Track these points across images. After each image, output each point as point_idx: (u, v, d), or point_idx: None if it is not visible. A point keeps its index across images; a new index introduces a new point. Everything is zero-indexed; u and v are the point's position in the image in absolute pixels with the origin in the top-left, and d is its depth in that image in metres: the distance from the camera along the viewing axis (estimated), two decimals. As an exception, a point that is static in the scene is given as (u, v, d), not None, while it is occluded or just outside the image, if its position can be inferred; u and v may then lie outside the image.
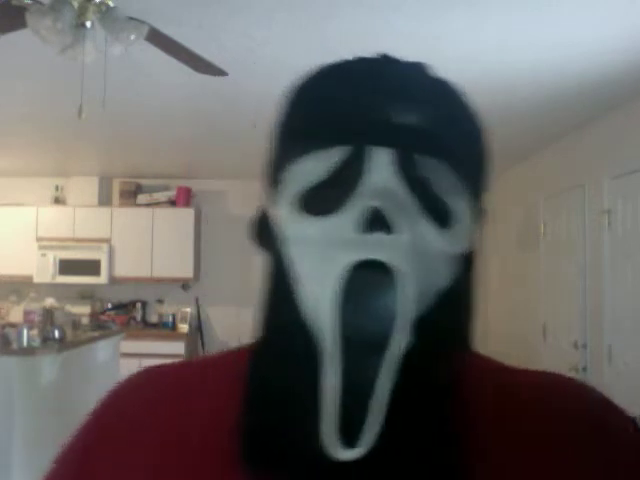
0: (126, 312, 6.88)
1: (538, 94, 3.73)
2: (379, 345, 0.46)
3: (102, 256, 6.66)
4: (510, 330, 6.08)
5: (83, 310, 6.62)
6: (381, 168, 0.48)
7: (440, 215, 0.50)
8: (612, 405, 0.56)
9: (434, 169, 0.49)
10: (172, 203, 6.88)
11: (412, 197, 0.49)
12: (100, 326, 5.55)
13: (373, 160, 0.48)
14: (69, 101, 2.79)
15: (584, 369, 4.31)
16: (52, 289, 6.66)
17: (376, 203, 0.47)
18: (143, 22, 2.12)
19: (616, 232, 3.95)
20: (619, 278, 3.90)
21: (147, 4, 2.54)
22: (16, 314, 6.72)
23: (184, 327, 6.67)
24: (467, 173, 0.52)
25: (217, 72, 2.64)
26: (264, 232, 0.56)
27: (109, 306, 6.88)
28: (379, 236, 0.46)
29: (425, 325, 0.48)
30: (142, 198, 6.90)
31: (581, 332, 4.37)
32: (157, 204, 6.85)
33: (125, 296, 6.99)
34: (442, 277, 0.51)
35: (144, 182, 7.06)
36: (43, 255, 6.64)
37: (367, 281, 0.47)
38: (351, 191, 0.48)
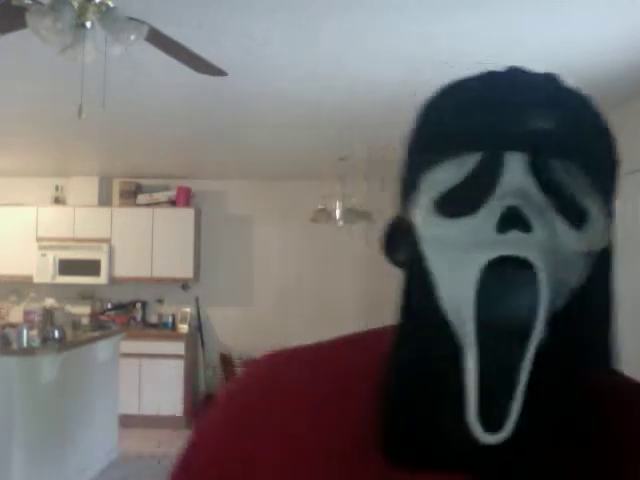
0: (126, 312, 6.88)
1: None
2: (517, 337, 0.49)
3: (102, 256, 6.66)
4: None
5: (83, 310, 6.62)
6: (515, 171, 0.51)
7: (573, 215, 0.52)
8: None
9: (566, 171, 0.52)
10: (172, 203, 6.88)
11: (546, 197, 0.51)
12: (100, 326, 5.55)
13: (507, 164, 0.51)
14: (69, 101, 2.79)
15: (584, 369, 4.31)
16: (52, 289, 6.66)
17: (512, 202, 0.49)
18: (143, 22, 2.11)
19: (616, 232, 3.95)
20: (619, 278, 3.89)
21: (147, 4, 2.54)
22: (16, 314, 6.73)
23: (184, 327, 6.66)
24: (598, 175, 0.56)
25: (217, 72, 2.65)
26: (398, 238, 0.59)
27: (109, 306, 6.88)
28: (516, 234, 0.49)
29: (559, 322, 0.51)
30: (142, 198, 6.90)
31: (581, 332, 4.37)
32: (157, 204, 6.86)
33: (125, 296, 6.99)
34: (576, 275, 0.53)
35: (144, 182, 7.06)
36: (43, 255, 6.64)
37: (505, 277, 0.49)
38: (487, 193, 0.51)
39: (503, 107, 0.53)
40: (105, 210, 6.81)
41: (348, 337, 0.65)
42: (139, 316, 6.90)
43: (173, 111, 4.29)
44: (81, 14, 2.01)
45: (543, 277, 0.49)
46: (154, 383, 6.29)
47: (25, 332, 4.10)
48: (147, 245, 6.72)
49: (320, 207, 5.79)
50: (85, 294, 6.92)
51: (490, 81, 0.56)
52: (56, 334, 4.32)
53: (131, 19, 2.08)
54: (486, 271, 0.49)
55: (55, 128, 4.83)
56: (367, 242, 6.35)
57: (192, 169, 6.65)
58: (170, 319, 6.79)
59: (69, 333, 4.66)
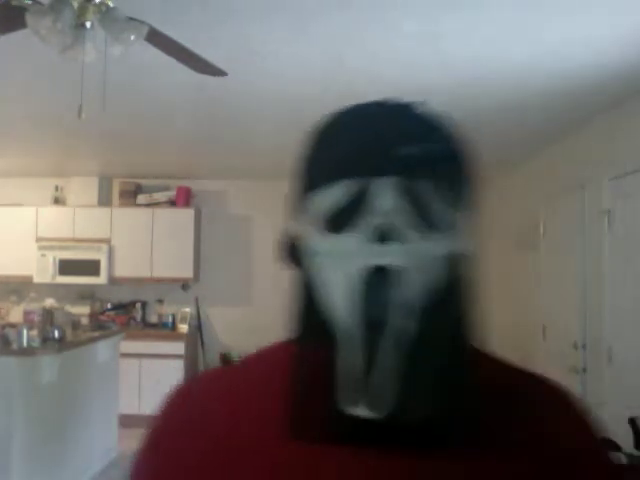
0: (126, 312, 6.88)
1: (538, 94, 3.73)
2: (390, 330, 0.59)
3: (102, 256, 6.66)
4: (510, 330, 6.07)
5: (83, 310, 6.62)
6: (385, 193, 0.61)
7: (434, 227, 0.62)
8: (586, 412, 0.70)
9: (428, 189, 0.62)
10: (172, 203, 6.88)
11: (410, 213, 0.61)
12: (100, 326, 5.55)
13: (379, 187, 0.61)
14: (69, 101, 2.79)
15: (584, 369, 4.31)
16: (52, 289, 6.67)
17: (384, 219, 0.60)
18: (143, 22, 2.11)
19: (616, 232, 3.95)
20: (619, 278, 3.90)
21: (147, 4, 2.54)
22: (16, 314, 6.73)
23: (184, 327, 6.67)
24: (455, 190, 0.65)
25: (217, 72, 2.64)
26: (292, 249, 0.70)
27: (109, 306, 6.88)
28: (387, 246, 0.60)
29: (427, 314, 0.61)
30: (142, 198, 6.90)
31: (581, 332, 4.37)
32: (157, 204, 6.85)
33: (125, 296, 6.99)
34: (440, 277, 0.63)
35: (144, 182, 7.07)
36: (43, 255, 6.64)
37: (378, 281, 0.60)
38: (364, 212, 0.61)
39: (373, 139, 0.63)
40: (105, 210, 6.81)
41: (258, 353, 0.75)
42: (139, 316, 6.90)
43: (173, 111, 4.29)
44: (81, 14, 2.01)
45: (408, 281, 0.60)
46: (154, 383, 6.28)
47: (25, 332, 4.10)
48: (147, 245, 6.72)
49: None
50: (85, 294, 6.93)
51: (362, 115, 0.67)
52: (56, 334, 4.32)
53: (131, 19, 2.08)
54: (360, 277, 0.60)
55: (55, 128, 4.83)
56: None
57: (192, 169, 6.65)
58: (170, 319, 6.79)
59: (69, 333, 4.66)
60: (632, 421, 3.19)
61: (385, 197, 0.61)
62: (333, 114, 0.69)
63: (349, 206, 0.62)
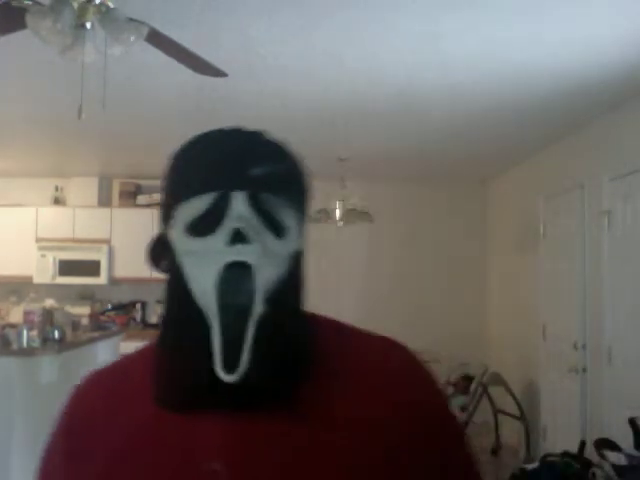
0: (126, 313, 6.88)
1: (538, 94, 3.73)
2: (245, 312, 0.75)
3: (102, 257, 6.66)
4: (510, 330, 6.07)
5: (83, 311, 6.61)
6: (239, 203, 0.76)
7: (278, 230, 0.78)
8: (417, 361, 0.85)
9: (273, 201, 0.78)
10: (172, 203, 6.88)
11: (259, 220, 0.77)
12: (100, 327, 5.55)
13: (233, 199, 0.77)
14: (69, 101, 2.79)
15: (584, 369, 4.31)
16: (52, 290, 6.66)
17: (237, 225, 0.75)
18: (143, 23, 2.11)
19: (616, 232, 3.95)
20: (619, 278, 3.90)
21: (147, 5, 2.54)
22: (16, 314, 6.72)
23: (184, 327, 6.66)
24: (293, 202, 0.81)
25: (217, 72, 2.64)
26: (161, 250, 0.85)
27: (109, 307, 6.87)
28: (240, 246, 0.75)
29: (272, 299, 0.76)
30: (142, 199, 6.90)
31: (581, 332, 4.37)
32: (157, 205, 6.83)
33: (125, 297, 6.99)
34: (282, 269, 0.78)
35: (144, 183, 7.06)
36: (43, 256, 6.64)
37: (233, 274, 0.75)
38: (221, 220, 0.76)
39: (227, 159, 0.79)
40: (105, 211, 6.81)
41: (129, 354, 0.93)
42: (139, 316, 6.90)
43: (173, 111, 4.29)
44: (81, 15, 2.01)
45: (258, 273, 0.75)
46: (154, 383, 6.28)
47: (25, 332, 4.10)
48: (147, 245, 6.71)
49: (320, 207, 5.79)
50: (85, 295, 6.92)
51: (219, 139, 0.84)
52: (56, 334, 4.31)
53: (131, 20, 2.08)
54: (221, 271, 0.75)
55: (55, 128, 4.83)
56: (368, 242, 6.35)
57: (192, 169, 6.64)
58: (170, 319, 6.79)
59: (69, 333, 4.66)
60: (632, 421, 3.20)
61: (238, 207, 0.76)
62: (195, 137, 0.86)
63: (209, 215, 0.77)
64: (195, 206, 0.78)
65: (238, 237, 0.74)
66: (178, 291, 0.81)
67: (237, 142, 0.83)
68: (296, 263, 0.81)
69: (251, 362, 0.73)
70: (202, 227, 0.77)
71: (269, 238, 0.77)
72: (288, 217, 0.80)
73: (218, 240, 0.76)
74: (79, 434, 0.82)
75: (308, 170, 0.86)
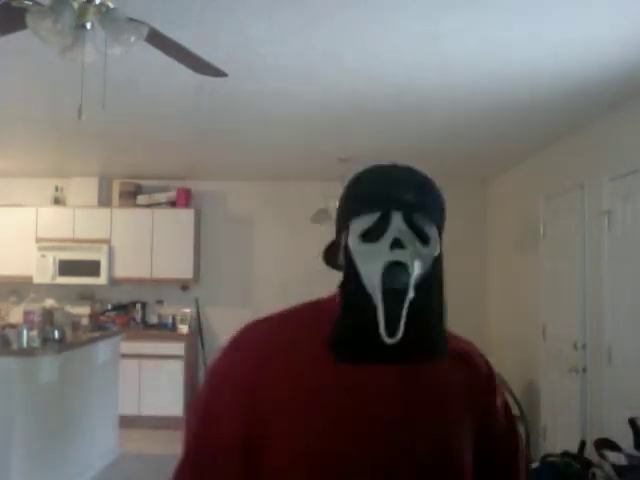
0: (126, 313, 6.88)
1: (538, 94, 3.73)
2: (401, 296, 1.05)
3: (102, 257, 6.66)
4: (510, 330, 6.07)
5: (83, 311, 6.61)
6: (397, 219, 1.07)
7: (424, 239, 1.08)
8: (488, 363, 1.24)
9: (421, 219, 1.08)
10: (172, 204, 6.88)
11: (412, 232, 1.07)
12: (100, 327, 5.55)
13: (393, 217, 1.07)
14: (69, 101, 2.79)
15: (584, 369, 4.31)
16: (52, 290, 6.66)
17: (396, 235, 1.06)
18: (143, 23, 2.11)
19: (616, 232, 3.95)
20: (619, 278, 3.90)
21: (147, 5, 2.54)
22: (16, 315, 6.72)
23: (184, 328, 6.66)
24: (435, 219, 1.11)
25: (216, 73, 2.64)
26: (333, 252, 1.19)
27: (109, 307, 6.88)
28: (398, 251, 1.05)
29: (420, 287, 1.07)
30: (142, 199, 6.90)
31: (581, 332, 4.37)
32: (157, 205, 6.85)
33: (125, 297, 6.99)
34: (426, 268, 1.09)
35: (144, 183, 7.07)
36: (43, 256, 6.65)
37: (394, 270, 1.04)
38: (384, 231, 1.06)
39: (390, 185, 1.09)
40: (105, 211, 6.81)
41: (309, 302, 1.20)
42: (139, 317, 6.90)
43: (173, 111, 4.29)
44: (81, 15, 2.01)
45: (410, 269, 1.05)
46: (154, 384, 6.29)
47: (25, 332, 4.10)
48: (147, 246, 6.72)
49: (320, 207, 5.79)
50: (85, 295, 6.93)
51: (384, 170, 1.13)
52: (56, 334, 4.32)
53: (131, 20, 2.08)
54: (384, 268, 1.04)
55: (55, 128, 4.83)
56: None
57: (192, 169, 6.65)
58: (170, 320, 6.79)
59: (69, 334, 4.66)
60: (632, 421, 3.19)
61: (397, 222, 1.06)
62: (367, 168, 1.15)
63: (377, 227, 1.07)
64: (367, 220, 1.08)
65: (397, 244, 1.04)
66: (353, 281, 1.09)
67: (396, 174, 1.11)
68: (437, 264, 1.11)
69: (405, 331, 1.03)
70: (371, 235, 1.07)
71: (418, 245, 1.07)
72: (431, 230, 1.09)
73: (383, 246, 1.05)
74: (258, 365, 1.07)
75: (445, 197, 1.16)
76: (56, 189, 6.95)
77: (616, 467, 3.12)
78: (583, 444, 3.74)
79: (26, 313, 6.54)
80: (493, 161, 5.87)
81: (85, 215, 6.77)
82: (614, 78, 3.38)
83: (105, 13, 2.04)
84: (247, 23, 2.79)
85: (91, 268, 6.67)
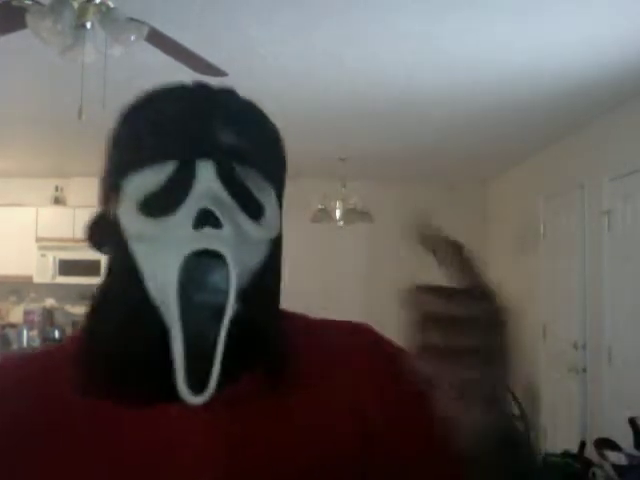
0: (126, 312, 6.87)
1: (538, 94, 3.73)
2: (214, 314, 0.59)
3: (102, 256, 6.64)
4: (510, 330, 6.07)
5: (83, 310, 6.61)
6: (206, 177, 0.60)
7: (254, 210, 0.63)
8: (379, 337, 0.73)
9: (247, 175, 0.63)
10: (172, 203, 6.87)
11: (232, 198, 0.61)
12: (100, 326, 5.54)
13: (199, 171, 0.61)
14: (69, 101, 2.79)
15: (584, 369, 4.31)
16: (52, 289, 6.66)
17: (205, 204, 0.59)
18: (143, 23, 2.11)
19: (616, 233, 3.95)
20: (619, 278, 3.90)
21: (147, 5, 2.54)
22: (16, 314, 6.72)
23: (184, 327, 6.66)
24: (271, 176, 0.66)
25: (217, 72, 2.64)
26: (103, 231, 0.68)
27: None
28: (209, 230, 0.59)
29: (247, 295, 0.61)
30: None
31: (581, 332, 4.37)
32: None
33: (125, 296, 6.98)
34: (258, 258, 0.64)
35: (144, 182, 7.06)
36: (43, 255, 6.64)
37: (201, 266, 0.59)
38: (184, 196, 0.60)
39: (193, 120, 0.62)
40: (105, 210, 6.81)
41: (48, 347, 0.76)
42: (139, 316, 6.89)
43: (173, 111, 4.29)
44: (81, 15, 2.01)
45: (231, 264, 0.59)
46: (154, 383, 6.28)
47: (25, 332, 4.10)
48: (147, 245, 6.71)
49: (320, 207, 5.79)
50: (85, 294, 6.90)
51: (182, 95, 0.65)
52: (56, 334, 4.32)
53: (131, 19, 2.08)
54: (185, 262, 0.58)
55: (55, 128, 4.83)
56: (368, 242, 6.36)
57: (192, 169, 6.64)
58: (170, 319, 6.78)
59: (69, 333, 4.66)
60: (632, 421, 3.20)
61: (206, 180, 0.60)
62: (152, 91, 0.67)
63: (168, 189, 0.61)
64: (150, 178, 0.61)
65: (206, 219, 0.59)
66: (126, 284, 0.63)
67: (205, 99, 0.65)
68: (275, 251, 0.67)
69: (222, 376, 0.57)
70: (160, 205, 0.60)
71: (244, 220, 0.62)
72: (266, 195, 0.65)
73: (181, 222, 0.59)
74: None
75: (283, 138, 0.70)
76: (56, 189, 6.95)
77: (616, 467, 3.12)
78: (583, 444, 3.74)
79: (26, 313, 6.55)
80: (493, 161, 5.87)
81: (85, 215, 6.54)
82: (614, 78, 3.38)
83: (105, 13, 2.04)
84: (247, 23, 2.79)
85: (91, 268, 6.66)
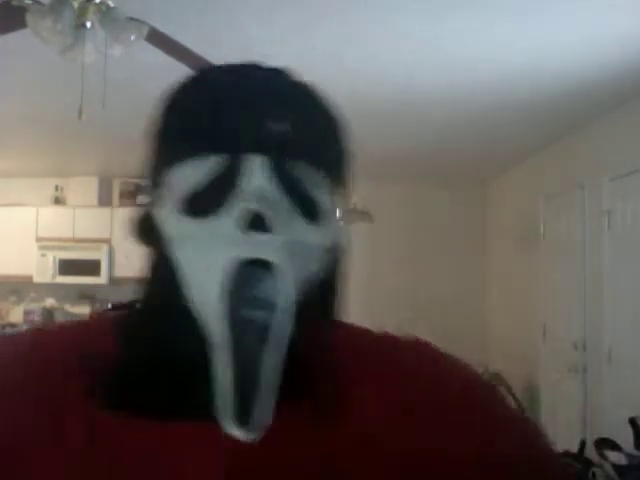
0: (126, 312, 6.87)
1: (538, 94, 3.73)
2: (265, 333, 0.51)
3: (102, 256, 6.66)
4: (510, 330, 6.07)
5: (83, 310, 6.62)
6: (255, 172, 0.52)
7: (311, 212, 0.55)
8: (443, 357, 0.64)
9: (303, 171, 0.54)
10: (172, 203, 6.87)
11: (285, 198, 0.53)
12: (100, 326, 5.54)
13: (247, 165, 0.52)
14: (69, 101, 2.79)
15: (584, 369, 4.31)
16: (52, 289, 6.66)
17: (254, 206, 0.51)
18: (143, 22, 2.11)
19: (616, 232, 3.95)
20: (619, 278, 3.90)
21: (147, 4, 2.54)
22: (16, 314, 6.72)
23: (184, 327, 6.66)
24: (332, 173, 0.57)
25: (217, 72, 2.64)
26: (147, 230, 0.60)
27: (109, 306, 6.87)
28: (258, 236, 0.51)
29: (302, 314, 0.52)
30: (142, 199, 6.89)
31: (581, 332, 4.37)
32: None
33: (125, 296, 6.89)
34: (315, 268, 0.55)
35: (145, 182, 7.06)
36: (43, 255, 6.64)
37: (250, 276, 0.51)
38: (229, 194, 0.52)
39: (241, 108, 0.54)
40: (105, 210, 6.81)
41: (84, 321, 0.70)
42: (139, 316, 6.89)
43: (173, 111, 4.29)
44: (81, 14, 2.01)
45: (282, 276, 0.51)
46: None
47: (25, 332, 4.09)
48: (147, 245, 6.71)
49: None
50: (85, 294, 6.92)
51: (229, 79, 0.57)
52: (56, 334, 4.31)
53: (131, 19, 2.08)
54: (232, 271, 0.51)
55: (55, 128, 4.83)
56: (368, 242, 6.35)
57: (192, 169, 6.65)
58: (170, 319, 6.78)
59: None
60: (632, 421, 3.19)
61: (257, 178, 0.52)
62: (195, 75, 0.60)
63: (213, 186, 0.53)
64: (192, 172, 0.54)
65: (254, 222, 0.51)
66: (164, 289, 0.56)
67: (252, 85, 0.56)
68: (334, 260, 0.58)
69: (270, 406, 0.49)
70: (202, 203, 0.53)
71: (299, 224, 0.54)
72: (325, 195, 0.56)
73: (225, 224, 0.51)
74: None
75: (349, 127, 0.59)
76: (56, 189, 6.95)
77: (616, 467, 3.12)
78: (583, 444, 3.74)
79: (26, 313, 6.56)
80: (493, 161, 5.87)
81: (85, 215, 6.77)
82: (614, 78, 3.38)
83: (105, 12, 2.04)
84: (247, 23, 2.79)
85: (91, 268, 6.67)
